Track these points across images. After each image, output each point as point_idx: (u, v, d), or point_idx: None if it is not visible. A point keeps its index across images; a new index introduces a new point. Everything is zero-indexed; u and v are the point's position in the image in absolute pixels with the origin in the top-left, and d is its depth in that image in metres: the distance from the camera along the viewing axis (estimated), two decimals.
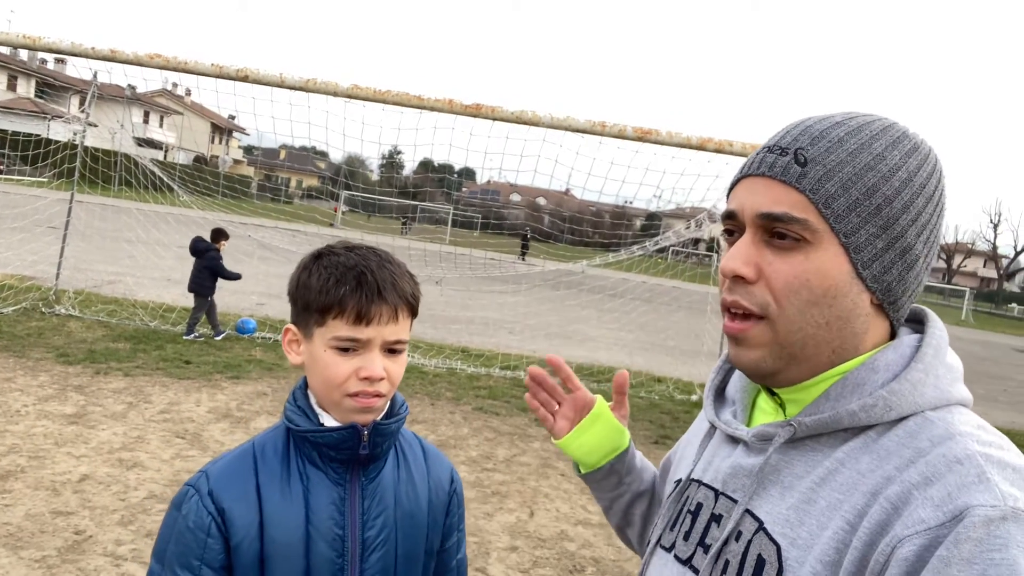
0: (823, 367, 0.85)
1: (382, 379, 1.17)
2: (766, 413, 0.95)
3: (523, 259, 21.21)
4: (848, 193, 0.80)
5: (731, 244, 0.88)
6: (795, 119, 0.90)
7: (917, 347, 0.86)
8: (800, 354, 0.83)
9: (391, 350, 1.19)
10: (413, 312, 1.23)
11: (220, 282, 9.17)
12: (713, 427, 1.01)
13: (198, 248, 9.04)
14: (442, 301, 14.48)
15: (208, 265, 8.95)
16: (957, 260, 79.99)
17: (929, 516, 0.70)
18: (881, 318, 0.86)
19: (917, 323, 0.92)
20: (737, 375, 1.03)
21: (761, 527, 0.83)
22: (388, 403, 1.25)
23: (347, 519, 1.21)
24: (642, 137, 6.87)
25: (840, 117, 0.86)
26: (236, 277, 9.24)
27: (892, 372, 0.83)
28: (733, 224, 0.87)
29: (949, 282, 75.18)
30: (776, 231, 0.82)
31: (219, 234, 9.29)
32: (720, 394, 1.05)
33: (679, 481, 1.03)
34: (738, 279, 0.84)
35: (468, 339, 11.42)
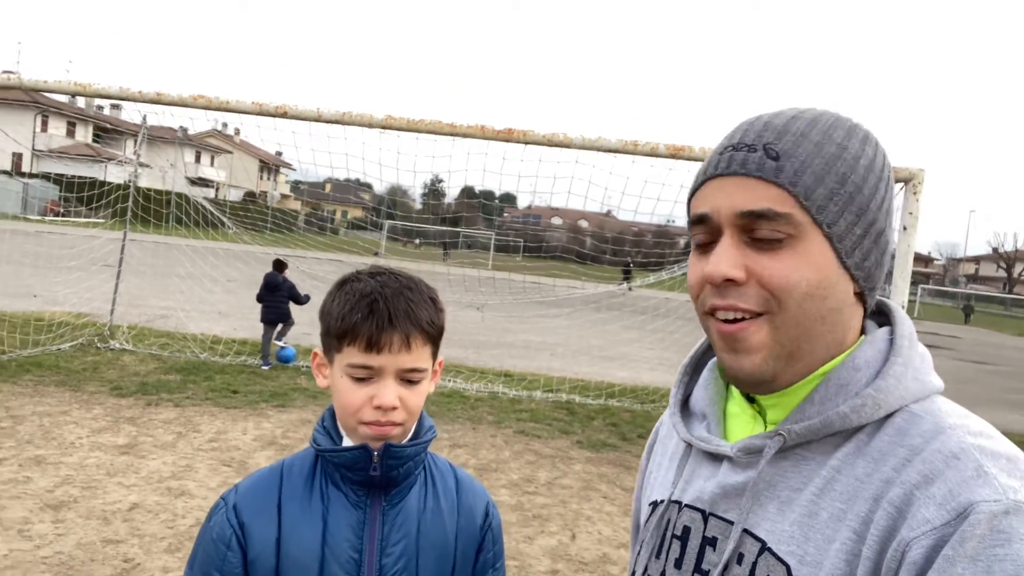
0: (817, 364, 0.82)
1: (395, 408, 1.16)
2: (741, 421, 0.91)
3: (629, 287, 21.34)
4: (824, 183, 0.78)
5: (703, 252, 0.84)
6: (746, 117, 0.88)
7: (890, 340, 0.84)
8: (798, 352, 0.80)
9: (407, 379, 1.18)
10: (432, 340, 1.21)
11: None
12: (689, 445, 0.95)
13: (276, 282, 9.65)
14: (484, 326, 14.53)
15: (290, 295, 9.68)
16: (1019, 268, 77.02)
17: (933, 516, 0.69)
18: (858, 309, 0.85)
19: (879, 314, 0.90)
20: (700, 386, 0.99)
21: (765, 547, 0.79)
22: (408, 431, 1.23)
23: (364, 543, 1.20)
24: (675, 154, 6.83)
25: (792, 112, 0.84)
26: (308, 299, 9.84)
27: (874, 368, 0.81)
28: (705, 229, 0.83)
29: (1011, 291, 72.40)
30: (758, 229, 0.79)
31: (282, 264, 9.93)
32: (684, 408, 1.00)
33: (655, 504, 0.98)
34: (728, 283, 0.80)
35: (510, 363, 11.42)
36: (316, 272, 12.18)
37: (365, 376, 1.17)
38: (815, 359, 0.82)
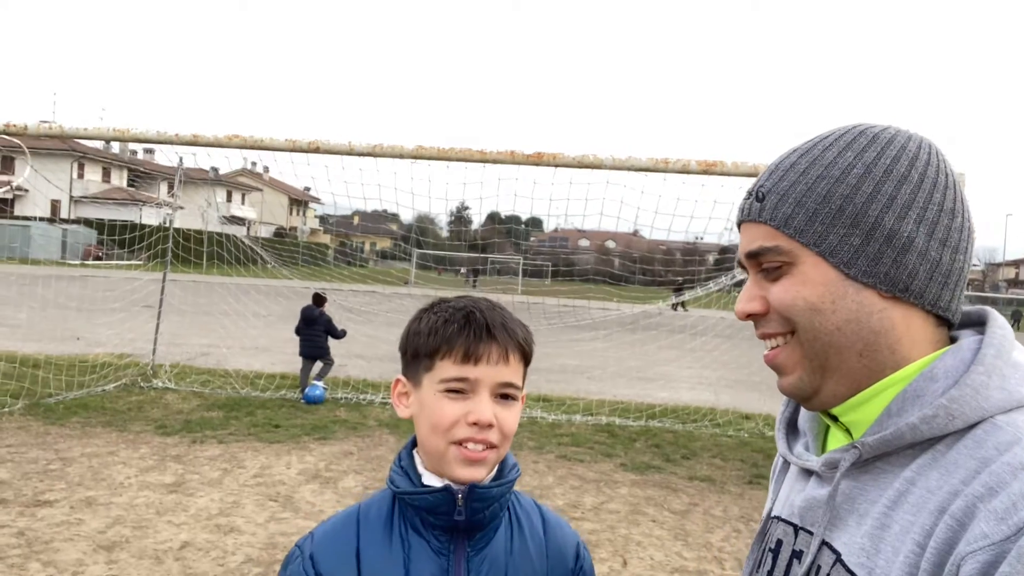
0: (859, 374, 0.83)
1: (491, 425, 1.09)
2: (838, 440, 0.91)
3: (684, 308, 21.33)
4: (804, 208, 0.84)
5: None
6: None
7: (978, 349, 0.81)
8: (828, 363, 0.84)
9: (503, 396, 1.12)
10: (525, 357, 1.16)
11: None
12: (787, 462, 0.99)
13: (312, 316, 9.68)
14: None
15: (327, 329, 9.69)
16: None
17: (992, 530, 0.66)
18: (920, 315, 0.83)
19: (981, 325, 0.87)
20: None
21: (838, 559, 0.80)
22: (498, 461, 1.15)
23: None
24: (707, 170, 6.79)
25: (805, 143, 0.89)
26: (344, 334, 9.91)
27: (952, 378, 0.79)
28: (745, 271, 0.93)
29: None
30: (763, 263, 0.87)
31: (321, 298, 9.92)
32: (793, 427, 1.02)
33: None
34: (752, 316, 0.89)
35: (548, 387, 11.35)
36: (352, 304, 12.29)
37: (460, 389, 1.10)
38: (851, 369, 0.83)
